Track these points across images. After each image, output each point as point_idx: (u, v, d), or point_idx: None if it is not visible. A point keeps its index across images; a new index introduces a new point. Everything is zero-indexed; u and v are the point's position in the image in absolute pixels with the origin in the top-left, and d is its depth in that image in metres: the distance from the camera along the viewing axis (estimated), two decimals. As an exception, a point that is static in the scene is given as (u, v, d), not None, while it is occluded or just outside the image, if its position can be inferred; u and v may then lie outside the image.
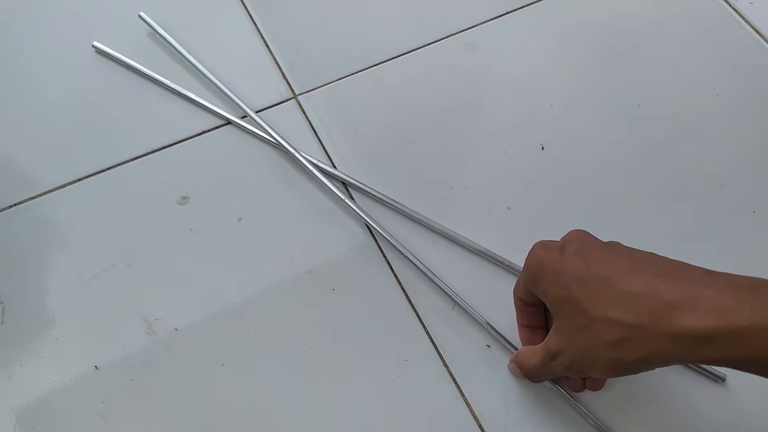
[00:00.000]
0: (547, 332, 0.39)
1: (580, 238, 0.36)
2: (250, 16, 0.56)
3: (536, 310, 0.40)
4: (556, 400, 0.42)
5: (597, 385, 0.40)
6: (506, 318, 0.43)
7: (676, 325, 0.30)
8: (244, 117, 0.51)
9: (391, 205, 0.47)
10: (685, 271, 0.33)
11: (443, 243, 0.46)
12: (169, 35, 0.53)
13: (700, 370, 0.42)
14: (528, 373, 0.39)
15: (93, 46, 0.53)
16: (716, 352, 0.30)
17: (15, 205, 0.47)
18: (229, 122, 0.50)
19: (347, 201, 0.47)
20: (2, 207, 0.46)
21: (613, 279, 0.33)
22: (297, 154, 0.48)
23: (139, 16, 0.53)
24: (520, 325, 0.41)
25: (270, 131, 0.49)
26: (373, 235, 0.47)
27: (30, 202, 0.47)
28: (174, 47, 0.52)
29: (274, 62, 0.54)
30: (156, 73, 0.52)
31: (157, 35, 0.53)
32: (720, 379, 0.42)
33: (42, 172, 0.48)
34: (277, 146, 0.49)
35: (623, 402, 0.41)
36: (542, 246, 0.37)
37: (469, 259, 0.46)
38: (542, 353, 0.37)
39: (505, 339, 0.43)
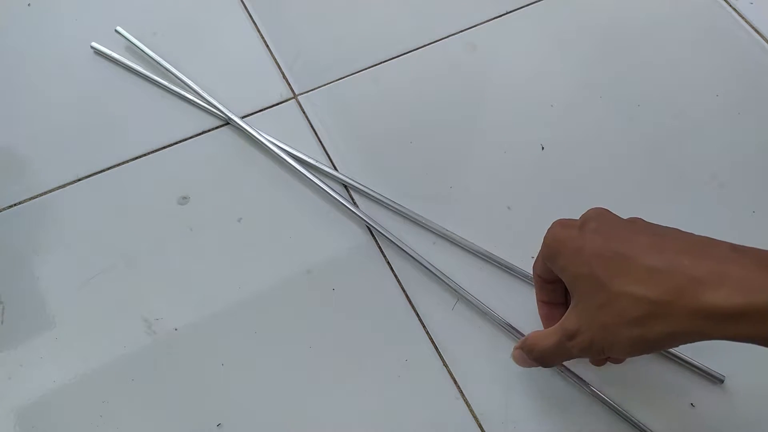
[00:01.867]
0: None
1: (599, 216, 0.36)
2: (250, 16, 0.56)
3: (556, 287, 0.40)
4: (555, 401, 0.42)
5: (619, 359, 0.39)
6: (507, 316, 0.43)
7: (702, 302, 0.29)
8: (243, 117, 0.51)
9: (391, 206, 0.47)
10: (711, 247, 0.32)
11: (444, 243, 0.46)
12: (168, 36, 0.53)
13: (698, 371, 0.42)
14: (540, 356, 0.38)
15: (91, 47, 0.53)
16: (744, 330, 0.29)
17: (15, 205, 0.47)
18: (227, 123, 0.50)
19: (346, 204, 0.47)
20: (2, 207, 0.46)
21: (636, 255, 0.32)
22: (287, 158, 0.48)
23: (116, 30, 0.53)
24: (540, 300, 0.41)
25: (257, 135, 0.49)
26: (373, 235, 0.47)
27: (30, 202, 0.47)
28: (154, 59, 0.52)
29: (274, 62, 0.54)
30: (155, 73, 0.52)
31: (142, 49, 0.53)
32: (718, 380, 0.42)
33: (42, 172, 0.48)
34: (277, 147, 0.49)
35: (621, 402, 0.41)
36: (561, 224, 0.37)
37: (469, 260, 0.46)
38: (558, 334, 0.35)
39: (514, 328, 0.43)
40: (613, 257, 0.33)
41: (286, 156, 0.48)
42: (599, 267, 0.33)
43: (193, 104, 0.51)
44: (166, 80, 0.51)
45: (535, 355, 0.38)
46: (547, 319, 0.41)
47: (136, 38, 0.53)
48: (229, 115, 0.50)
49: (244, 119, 0.50)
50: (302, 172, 0.48)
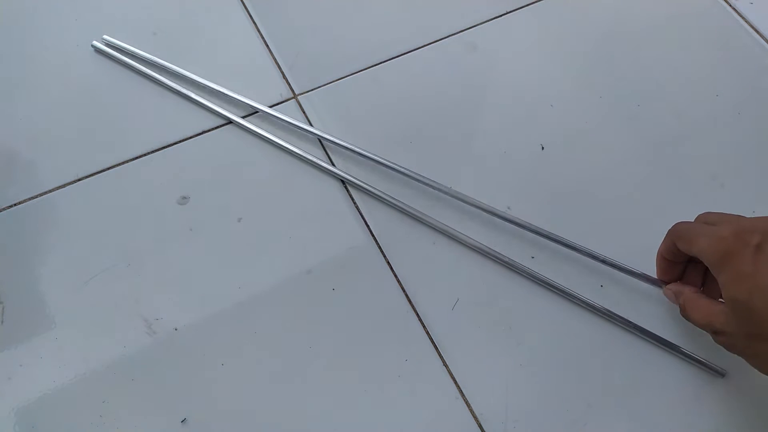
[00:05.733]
0: (686, 268, 0.41)
1: None
2: (250, 16, 0.56)
3: (679, 266, 0.42)
4: (555, 400, 0.42)
5: None
6: (508, 315, 0.43)
7: None
8: (244, 116, 0.51)
9: (392, 204, 0.47)
10: None
11: (444, 242, 0.46)
12: (168, 35, 0.53)
13: (700, 365, 0.42)
14: (685, 316, 0.40)
15: (92, 45, 0.53)
16: None
17: (15, 204, 0.47)
18: (230, 122, 0.50)
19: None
20: (2, 206, 0.46)
21: None
22: (290, 146, 0.48)
23: (103, 38, 0.53)
24: (661, 255, 0.42)
25: (284, 119, 0.49)
26: (372, 235, 0.47)
27: (30, 201, 0.47)
28: (145, 59, 0.52)
29: (274, 62, 0.54)
30: (156, 72, 0.52)
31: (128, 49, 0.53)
32: (720, 375, 0.42)
33: (42, 172, 0.48)
34: (277, 146, 0.49)
35: (621, 397, 0.41)
36: (736, 235, 0.35)
37: (470, 258, 0.46)
38: (706, 321, 0.37)
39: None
40: None
41: (289, 145, 0.49)
42: (761, 303, 0.32)
43: (194, 102, 0.51)
44: (166, 78, 0.51)
45: (682, 312, 0.40)
46: (663, 273, 0.43)
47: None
48: (229, 115, 0.50)
49: (244, 119, 0.50)
50: (308, 158, 0.48)
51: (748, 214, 0.48)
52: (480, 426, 0.41)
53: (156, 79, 0.51)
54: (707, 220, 0.39)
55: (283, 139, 0.49)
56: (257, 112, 0.51)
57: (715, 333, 0.37)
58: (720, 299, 0.40)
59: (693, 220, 0.41)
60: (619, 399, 0.42)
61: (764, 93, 0.54)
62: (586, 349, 0.43)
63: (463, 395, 0.42)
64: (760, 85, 0.55)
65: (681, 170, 0.50)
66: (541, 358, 0.43)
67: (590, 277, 0.46)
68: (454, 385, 0.42)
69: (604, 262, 0.45)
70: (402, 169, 0.48)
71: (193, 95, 0.51)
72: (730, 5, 0.59)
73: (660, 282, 0.44)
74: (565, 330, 0.44)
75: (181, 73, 0.52)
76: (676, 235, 0.40)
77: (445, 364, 0.43)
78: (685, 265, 0.42)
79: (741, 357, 0.36)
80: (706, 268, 0.41)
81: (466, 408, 0.41)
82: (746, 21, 0.58)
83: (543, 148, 0.51)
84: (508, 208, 0.48)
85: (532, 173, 0.50)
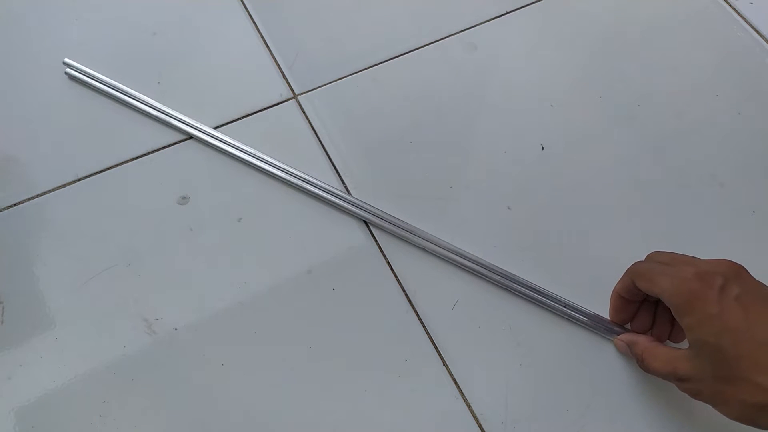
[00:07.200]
0: (640, 307, 0.41)
1: (741, 280, 0.34)
2: (250, 16, 0.56)
3: (635, 305, 0.41)
4: (555, 401, 0.42)
5: (681, 338, 0.40)
6: (509, 317, 0.43)
7: None
8: (243, 117, 0.50)
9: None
10: None
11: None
12: (168, 36, 0.53)
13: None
14: (644, 367, 0.39)
15: (66, 73, 0.51)
16: None
17: (15, 205, 0.47)
18: (190, 137, 0.50)
19: (346, 204, 0.47)
20: (2, 207, 0.46)
21: None
22: (263, 164, 0.48)
23: (64, 62, 0.51)
24: (617, 293, 0.42)
25: (227, 148, 0.49)
26: (373, 235, 0.47)
27: (30, 202, 0.47)
28: (108, 84, 0.51)
29: (274, 62, 0.54)
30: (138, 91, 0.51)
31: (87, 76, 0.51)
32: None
33: (42, 172, 0.48)
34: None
35: (619, 398, 0.41)
36: (699, 277, 0.35)
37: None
38: (669, 369, 0.36)
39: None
40: (748, 340, 0.32)
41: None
42: (730, 344, 0.32)
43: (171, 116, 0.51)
44: (140, 103, 0.50)
45: (640, 364, 0.39)
46: (617, 311, 0.42)
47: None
48: (193, 131, 0.49)
49: (244, 119, 0.50)
50: (291, 181, 0.48)
51: (748, 214, 0.48)
52: (480, 426, 0.41)
53: (129, 102, 0.50)
54: (660, 259, 0.39)
55: (283, 142, 0.49)
56: (258, 111, 0.51)
57: (680, 380, 0.36)
58: (672, 341, 0.40)
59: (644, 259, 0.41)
60: (618, 400, 0.41)
61: (764, 93, 0.54)
62: (586, 349, 0.43)
63: (463, 395, 0.42)
64: (760, 85, 0.55)
65: (681, 170, 0.50)
66: (540, 358, 0.43)
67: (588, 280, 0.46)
68: (454, 385, 0.42)
69: (566, 305, 0.44)
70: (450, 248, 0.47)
71: (165, 116, 0.50)
72: (730, 5, 0.59)
73: (612, 324, 0.43)
74: (565, 330, 0.44)
75: (148, 101, 0.50)
76: (636, 274, 0.39)
77: (445, 364, 0.43)
78: (639, 304, 0.42)
79: (708, 404, 0.35)
80: (656, 309, 0.41)
81: (466, 408, 0.41)
82: (746, 21, 0.58)
83: (543, 148, 0.51)
84: (508, 208, 0.48)
85: (532, 173, 0.50)
